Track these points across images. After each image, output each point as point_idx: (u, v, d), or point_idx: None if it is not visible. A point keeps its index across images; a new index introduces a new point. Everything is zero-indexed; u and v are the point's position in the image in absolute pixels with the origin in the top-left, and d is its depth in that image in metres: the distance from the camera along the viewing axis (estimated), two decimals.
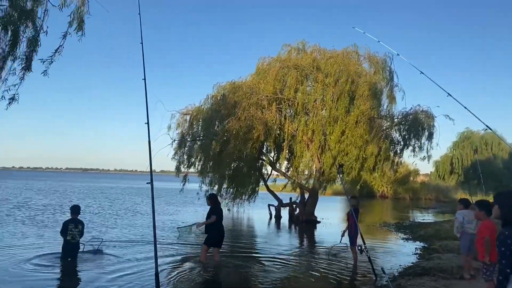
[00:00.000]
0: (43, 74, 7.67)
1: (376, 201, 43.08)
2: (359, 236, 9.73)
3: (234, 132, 17.90)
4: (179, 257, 10.88)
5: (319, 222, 20.04)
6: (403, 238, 15.68)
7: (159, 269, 9.05)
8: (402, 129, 21.22)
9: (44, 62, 7.59)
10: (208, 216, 10.00)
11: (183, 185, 21.07)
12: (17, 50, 7.53)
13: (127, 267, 9.41)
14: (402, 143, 21.41)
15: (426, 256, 11.50)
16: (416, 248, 13.19)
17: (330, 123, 18.39)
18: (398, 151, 21.70)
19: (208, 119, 19.82)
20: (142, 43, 5.53)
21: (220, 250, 10.16)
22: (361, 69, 19.81)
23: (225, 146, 18.50)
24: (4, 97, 7.50)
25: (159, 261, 10.07)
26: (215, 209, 10.00)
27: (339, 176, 16.09)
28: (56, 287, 7.97)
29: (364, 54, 20.22)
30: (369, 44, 20.56)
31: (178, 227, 15.07)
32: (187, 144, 21.30)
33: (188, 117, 21.45)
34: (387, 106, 20.01)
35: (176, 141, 21.01)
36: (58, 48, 7.69)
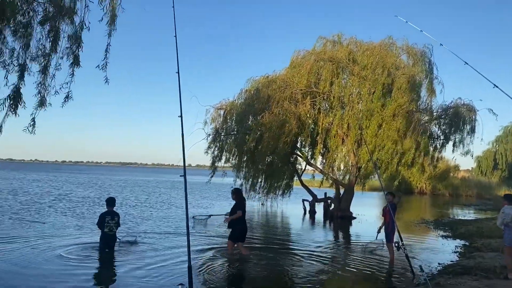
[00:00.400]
0: (105, 82, 7.92)
1: (414, 197, 41.97)
2: (396, 232, 9.45)
3: (267, 127, 17.79)
4: (209, 249, 10.92)
5: (354, 218, 19.67)
6: (442, 236, 15.13)
7: (192, 261, 9.22)
8: (442, 123, 20.52)
9: (101, 67, 7.75)
10: (233, 211, 9.97)
11: (211, 177, 21.16)
12: (59, 46, 7.65)
13: (161, 259, 9.52)
14: (442, 137, 20.72)
15: (467, 254, 11.07)
16: (456, 246, 12.70)
17: (366, 116, 17.95)
18: (438, 146, 21.02)
19: (242, 114, 19.79)
20: (175, 36, 5.48)
21: (255, 244, 10.12)
22: (399, 61, 19.23)
23: (259, 140, 18.43)
24: (58, 92, 7.70)
25: (185, 251, 10.23)
26: (240, 204, 9.95)
27: (376, 171, 15.68)
28: (94, 277, 8.12)
29: (402, 45, 19.61)
30: (408, 35, 19.96)
31: (194, 216, 15.08)
32: (221, 139, 21.38)
33: (222, 112, 21.52)
34: (426, 100, 19.38)
35: (210, 136, 21.16)
36: (107, 47, 7.80)
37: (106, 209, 10.11)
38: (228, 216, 10.28)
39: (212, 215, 12.11)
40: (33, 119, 7.50)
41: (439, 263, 9.95)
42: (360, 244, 13.07)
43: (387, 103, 18.09)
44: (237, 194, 10.20)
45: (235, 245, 10.10)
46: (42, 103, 7.62)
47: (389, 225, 9.86)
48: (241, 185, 21.38)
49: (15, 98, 7.07)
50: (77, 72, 7.79)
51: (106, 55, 7.79)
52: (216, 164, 21.37)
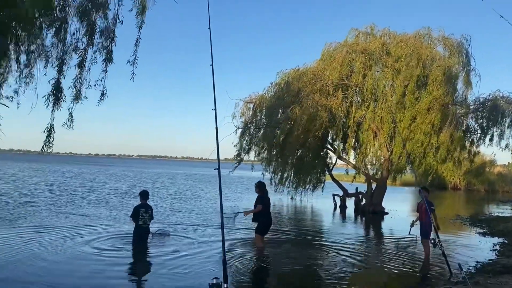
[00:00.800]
0: (131, 79, 7.85)
1: (447, 192, 40.88)
2: (432, 229, 9.16)
3: (297, 120, 17.59)
4: (237, 242, 10.92)
5: (387, 213, 19.27)
6: (479, 233, 14.63)
7: (219, 254, 9.21)
8: (479, 117, 19.79)
9: (132, 63, 7.70)
10: (255, 204, 9.89)
11: (235, 167, 21.15)
12: (95, 41, 7.73)
13: (193, 252, 9.56)
14: (479, 131, 19.99)
15: (506, 253, 10.65)
16: (494, 244, 12.25)
17: (399, 110, 17.50)
18: (475, 140, 20.30)
19: (272, 107, 19.68)
20: (210, 28, 5.38)
21: (285, 237, 10.03)
22: (435, 53, 18.60)
23: (288, 134, 18.26)
24: (90, 86, 7.78)
25: (219, 245, 10.25)
26: (262, 198, 9.88)
27: (409, 164, 15.27)
28: (126, 269, 8.21)
29: (438, 36, 18.95)
30: (444, 25, 19.28)
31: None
32: (251, 132, 21.36)
33: (251, 105, 21.50)
34: (463, 92, 18.73)
35: (239, 129, 21.16)
36: (136, 40, 7.76)
37: (140, 202, 10.20)
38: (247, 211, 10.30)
39: (239, 212, 12.07)
40: (71, 114, 7.58)
41: (477, 262, 9.60)
42: (393, 239, 12.78)
43: (422, 96, 17.59)
44: (260, 187, 10.07)
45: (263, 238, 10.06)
46: (77, 96, 7.69)
47: (425, 221, 9.57)
48: (270, 179, 21.35)
49: (56, 93, 7.15)
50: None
51: (135, 49, 7.77)
52: (244, 158, 21.40)
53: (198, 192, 27.57)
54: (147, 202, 10.29)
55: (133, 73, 7.78)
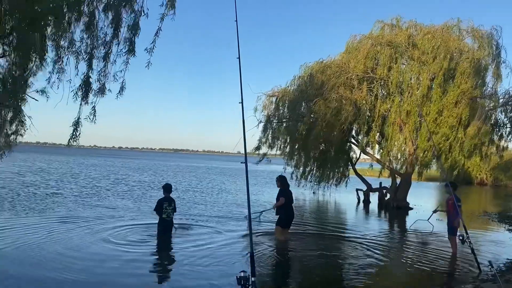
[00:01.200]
0: (146, 67, 7.75)
1: (473, 188, 39.99)
2: (460, 225, 8.95)
3: (321, 113, 17.42)
4: (260, 234, 10.92)
5: (411, 208, 18.96)
6: (509, 230, 14.18)
7: (242, 247, 9.26)
8: (508, 110, 19.20)
9: (149, 51, 7.63)
10: (278, 198, 9.86)
11: (259, 161, 21.10)
12: (120, 33, 7.71)
13: (218, 245, 9.61)
14: (508, 125, 19.42)
15: None
16: None
17: (426, 103, 17.13)
18: (504, 135, 19.73)
19: (295, 101, 19.54)
20: (236, 20, 5.31)
21: (308, 230, 9.98)
22: (463, 45, 18.11)
23: (311, 128, 18.10)
24: (116, 79, 7.76)
25: (242, 237, 10.30)
26: (284, 191, 9.83)
27: (437, 160, 14.94)
28: (152, 263, 8.27)
29: (466, 28, 18.43)
30: (473, 17, 18.75)
31: (245, 216, 14.49)
32: (273, 126, 21.28)
33: (274, 99, 21.40)
34: (492, 85, 18.18)
35: (262, 123, 21.09)
36: (157, 31, 7.70)
37: (163, 195, 10.25)
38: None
39: (263, 211, 12.01)
40: (94, 108, 7.57)
41: (507, 259, 9.35)
42: (418, 235, 12.56)
43: (449, 89, 17.17)
44: (281, 181, 10.06)
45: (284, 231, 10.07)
46: (102, 90, 7.69)
47: (453, 217, 9.35)
48: (292, 173, 21.26)
49: (86, 87, 7.17)
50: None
51: (155, 39, 7.71)
52: (264, 151, 21.34)
53: (219, 185, 27.70)
54: (170, 195, 10.35)
55: (149, 61, 7.73)
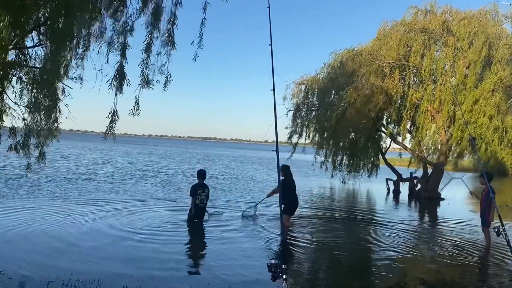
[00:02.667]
0: (193, 59, 7.47)
1: (508, 179, 38.73)
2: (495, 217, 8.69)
3: (351, 102, 17.17)
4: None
5: (443, 199, 18.54)
6: None
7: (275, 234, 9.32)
8: None
9: (198, 45, 7.34)
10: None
11: (292, 153, 20.99)
12: (160, 23, 7.45)
13: (248, 232, 9.72)
14: None
15: None
16: None
17: (460, 91, 16.60)
18: None
19: (324, 89, 19.35)
20: (269, 7, 5.24)
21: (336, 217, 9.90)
22: (501, 30, 17.40)
23: (341, 116, 17.89)
24: (162, 71, 7.52)
25: (268, 223, 10.34)
26: (284, 181, 9.81)
27: (473, 150, 14.50)
28: (183, 248, 8.39)
29: (506, 13, 17.68)
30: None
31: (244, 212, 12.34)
32: (302, 115, 21.15)
33: (303, 87, 21.25)
34: None
35: (291, 111, 20.99)
36: (202, 21, 7.42)
37: (198, 181, 10.36)
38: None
39: (258, 203, 11.76)
40: (137, 101, 7.33)
41: None
42: (450, 225, 12.28)
43: (485, 76, 16.58)
44: (283, 170, 9.87)
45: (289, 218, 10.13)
46: (147, 82, 7.43)
47: (487, 208, 9.08)
48: (322, 162, 21.13)
49: (120, 77, 7.03)
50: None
51: (201, 30, 7.39)
52: (296, 141, 21.24)
53: (245, 172, 27.88)
54: (204, 181, 10.43)
55: (196, 53, 7.43)
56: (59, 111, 7.38)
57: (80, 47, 7.48)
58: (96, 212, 10.86)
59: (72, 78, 7.69)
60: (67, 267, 6.30)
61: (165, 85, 7.54)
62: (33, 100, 7.04)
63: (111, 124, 7.21)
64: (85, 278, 5.72)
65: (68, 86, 7.95)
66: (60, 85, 7.56)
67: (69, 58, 7.40)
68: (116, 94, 7.07)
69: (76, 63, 7.64)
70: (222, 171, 28.10)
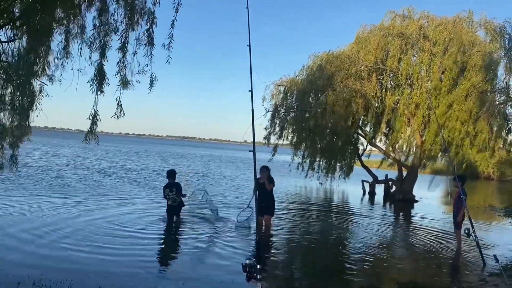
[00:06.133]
0: (166, 62, 7.30)
1: (480, 182, 39.78)
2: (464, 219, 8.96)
3: (330, 105, 17.35)
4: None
5: (417, 201, 18.94)
6: None
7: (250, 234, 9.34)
8: None
9: (167, 47, 7.22)
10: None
11: (272, 155, 21.04)
12: (135, 22, 7.32)
13: (222, 230, 9.71)
14: None
15: None
16: None
17: (435, 96, 16.99)
18: None
19: (303, 91, 19.44)
20: (248, 7, 5.28)
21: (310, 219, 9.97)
22: (475, 37, 17.84)
23: (319, 118, 18.04)
24: (143, 71, 7.33)
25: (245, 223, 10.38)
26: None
27: (446, 154, 14.83)
28: (156, 249, 8.38)
29: (479, 20, 18.14)
30: (486, 9, 18.47)
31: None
32: (280, 116, 21.21)
33: (282, 89, 21.28)
34: (504, 79, 17.97)
35: (269, 112, 21.03)
36: (173, 22, 7.27)
37: (167, 182, 10.50)
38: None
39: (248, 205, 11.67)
40: (119, 103, 7.09)
41: None
42: (421, 228, 12.56)
43: (460, 82, 17.01)
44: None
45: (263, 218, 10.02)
46: (124, 83, 7.23)
47: (459, 211, 9.32)
48: (299, 163, 21.24)
49: (99, 76, 6.85)
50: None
51: (171, 31, 7.24)
52: (273, 142, 21.29)
53: (221, 172, 27.88)
54: (175, 180, 10.49)
55: (168, 56, 7.31)
56: (32, 110, 7.15)
57: (59, 45, 7.33)
58: (68, 209, 10.72)
59: (48, 76, 7.51)
60: (37, 264, 6.22)
61: (151, 85, 7.36)
62: (7, 98, 6.83)
63: (92, 126, 6.96)
64: (56, 278, 5.64)
65: (43, 83, 7.78)
66: (36, 82, 7.37)
67: (46, 55, 7.24)
68: (97, 94, 6.86)
69: (53, 60, 7.46)
70: (197, 170, 28.03)
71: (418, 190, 19.95)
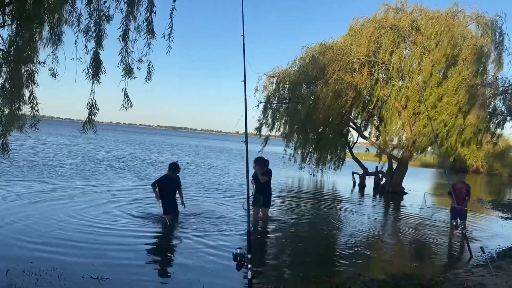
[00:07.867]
0: (167, 52, 7.19)
1: (468, 176, 40.12)
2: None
3: (322, 96, 17.39)
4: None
5: (406, 193, 19.14)
6: (501, 217, 14.44)
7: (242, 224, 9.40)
8: (507, 98, 19.24)
9: (168, 37, 7.11)
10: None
11: (263, 146, 21.08)
12: (135, 9, 7.11)
13: (212, 219, 9.75)
14: (506, 113, 19.48)
15: None
16: None
17: (426, 89, 17.11)
18: (500, 123, 19.83)
19: (295, 82, 19.45)
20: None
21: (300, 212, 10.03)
22: (467, 31, 17.93)
23: (311, 110, 18.09)
24: (142, 60, 7.21)
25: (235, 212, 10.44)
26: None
27: (434, 145, 14.98)
28: (150, 240, 8.39)
29: (471, 14, 18.23)
30: (478, 3, 18.58)
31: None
32: (273, 107, 21.23)
33: (274, 80, 21.25)
34: (493, 73, 18.14)
35: (262, 103, 21.04)
36: (171, 11, 7.17)
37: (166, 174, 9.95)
38: None
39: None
40: (126, 93, 6.97)
41: (499, 245, 9.49)
42: (411, 219, 12.73)
43: (450, 75, 17.14)
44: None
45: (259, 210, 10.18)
46: (128, 72, 7.08)
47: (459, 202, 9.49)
48: (291, 155, 21.32)
49: (95, 65, 6.71)
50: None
51: (171, 21, 7.11)
52: (265, 133, 21.32)
53: (215, 162, 27.88)
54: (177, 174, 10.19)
55: (169, 46, 7.19)
56: (22, 98, 7.02)
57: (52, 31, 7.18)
58: (57, 199, 10.69)
59: (40, 63, 7.38)
60: (26, 254, 6.22)
61: (148, 75, 7.28)
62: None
63: (90, 116, 6.84)
64: (46, 266, 5.65)
65: (35, 71, 7.66)
66: (27, 69, 7.24)
67: (37, 41, 7.11)
68: (93, 83, 6.74)
69: (45, 46, 7.33)
70: (189, 160, 28.01)
71: (408, 183, 20.15)
